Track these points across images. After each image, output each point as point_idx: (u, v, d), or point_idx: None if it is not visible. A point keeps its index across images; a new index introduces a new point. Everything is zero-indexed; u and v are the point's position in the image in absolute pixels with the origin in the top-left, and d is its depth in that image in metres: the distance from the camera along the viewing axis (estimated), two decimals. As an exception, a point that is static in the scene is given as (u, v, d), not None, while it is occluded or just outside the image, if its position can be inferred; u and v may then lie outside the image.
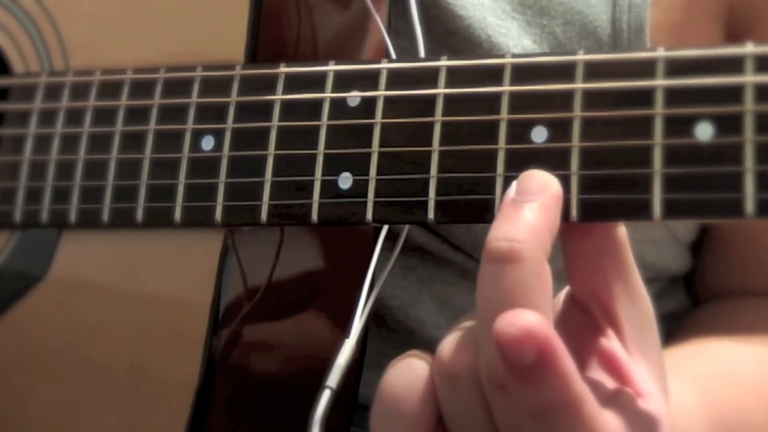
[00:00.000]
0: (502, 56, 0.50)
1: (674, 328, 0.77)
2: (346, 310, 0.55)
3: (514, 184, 0.47)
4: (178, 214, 0.55)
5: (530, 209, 0.46)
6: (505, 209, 0.46)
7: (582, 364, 0.50)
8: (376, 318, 0.69)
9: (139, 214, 0.56)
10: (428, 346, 0.69)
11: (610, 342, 0.50)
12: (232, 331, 0.55)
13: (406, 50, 0.61)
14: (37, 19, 0.63)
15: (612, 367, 0.50)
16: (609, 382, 0.50)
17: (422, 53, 0.60)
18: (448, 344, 0.48)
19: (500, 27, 0.66)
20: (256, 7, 0.56)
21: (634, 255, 0.71)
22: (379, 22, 0.58)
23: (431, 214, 0.50)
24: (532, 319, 0.44)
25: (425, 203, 0.50)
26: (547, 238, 0.46)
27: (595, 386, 0.49)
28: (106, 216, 0.57)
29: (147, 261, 0.57)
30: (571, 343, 0.49)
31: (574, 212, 0.47)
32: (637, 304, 0.50)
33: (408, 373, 0.49)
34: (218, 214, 0.54)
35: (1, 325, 0.61)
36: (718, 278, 0.77)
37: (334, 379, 0.53)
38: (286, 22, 0.58)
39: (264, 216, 0.53)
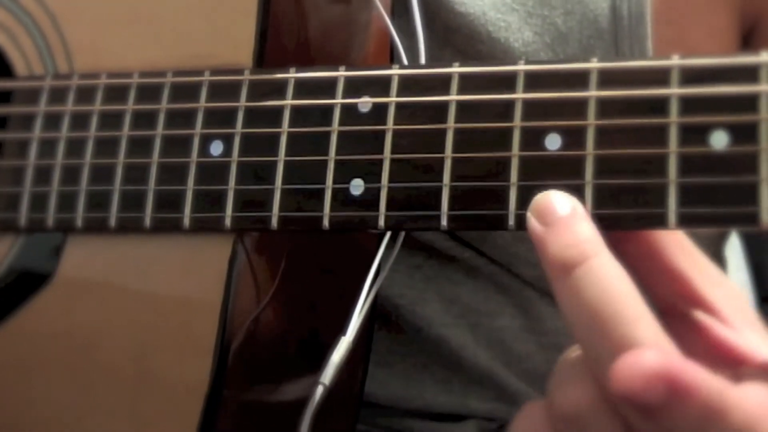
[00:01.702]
0: (514, 63, 0.50)
1: None
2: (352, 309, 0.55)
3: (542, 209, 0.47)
4: (186, 220, 0.55)
5: (573, 219, 0.46)
6: (553, 225, 0.46)
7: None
8: (382, 317, 0.69)
9: (147, 220, 0.56)
10: (435, 343, 0.69)
11: (714, 331, 0.48)
12: (241, 335, 0.55)
13: (408, 48, 0.61)
14: (39, 20, 0.62)
15: (727, 353, 0.48)
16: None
17: (422, 52, 0.60)
18: (557, 386, 0.46)
19: (500, 21, 0.66)
20: (264, 10, 0.55)
21: None
22: (391, 27, 0.57)
23: (444, 222, 0.50)
24: (650, 358, 0.41)
25: (438, 210, 0.50)
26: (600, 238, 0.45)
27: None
28: (113, 222, 0.57)
29: (155, 263, 0.57)
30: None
31: (588, 221, 0.47)
32: (723, 287, 0.49)
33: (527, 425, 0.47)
34: (227, 221, 0.54)
35: (8, 328, 0.60)
36: None
37: (327, 376, 0.54)
38: (294, 26, 0.57)
39: (274, 222, 0.53)
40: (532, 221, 0.46)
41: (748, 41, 0.72)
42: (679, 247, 0.48)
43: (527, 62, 0.50)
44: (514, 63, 0.50)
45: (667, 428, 0.43)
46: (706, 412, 0.42)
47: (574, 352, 0.47)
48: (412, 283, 0.70)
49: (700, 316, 0.49)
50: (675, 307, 0.49)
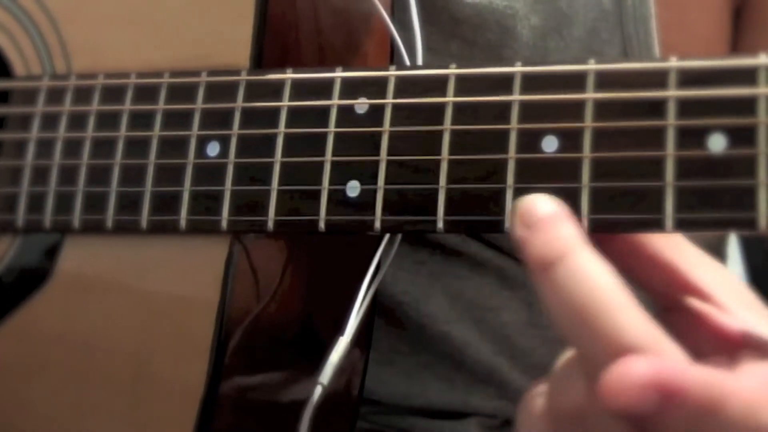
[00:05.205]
0: (511, 65, 0.49)
1: None
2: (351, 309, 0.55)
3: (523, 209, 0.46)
4: (183, 222, 0.55)
5: (553, 219, 0.45)
6: (533, 227, 0.45)
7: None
8: (386, 315, 0.69)
9: (144, 222, 0.56)
10: (438, 340, 0.69)
11: (709, 317, 0.47)
12: (238, 336, 0.55)
13: (412, 43, 0.61)
14: (37, 20, 0.62)
15: (724, 338, 0.47)
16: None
17: (420, 48, 0.60)
18: (555, 384, 0.46)
19: (507, 9, 0.66)
20: (261, 11, 0.55)
21: None
22: (391, 26, 0.57)
23: (440, 225, 0.50)
24: (638, 368, 0.40)
25: (434, 213, 0.50)
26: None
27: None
28: (110, 223, 0.57)
29: (152, 265, 0.57)
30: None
31: (584, 225, 0.47)
32: (714, 271, 0.48)
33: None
34: (224, 222, 0.54)
35: (5, 329, 0.60)
36: None
37: (326, 375, 0.54)
38: (291, 26, 0.57)
39: (270, 224, 0.53)
40: (516, 225, 0.45)
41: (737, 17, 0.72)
42: (662, 237, 0.47)
43: (524, 63, 0.49)
44: (512, 64, 0.50)
45: (667, 426, 0.42)
46: (702, 409, 0.41)
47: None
48: (416, 279, 0.70)
49: (694, 303, 0.48)
50: (673, 299, 0.48)
